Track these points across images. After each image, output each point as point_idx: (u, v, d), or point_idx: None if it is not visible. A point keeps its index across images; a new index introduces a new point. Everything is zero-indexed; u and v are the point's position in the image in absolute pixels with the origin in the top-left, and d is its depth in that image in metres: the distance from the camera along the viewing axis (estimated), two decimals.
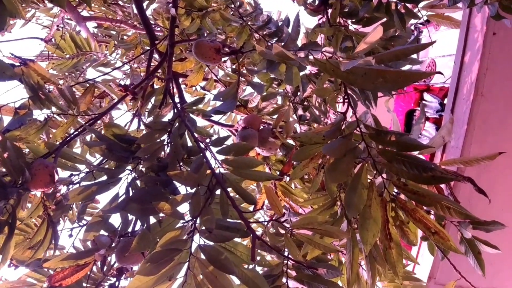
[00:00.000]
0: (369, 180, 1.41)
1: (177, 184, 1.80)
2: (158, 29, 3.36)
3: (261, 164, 1.63)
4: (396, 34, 2.25)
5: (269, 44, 2.35)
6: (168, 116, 2.26)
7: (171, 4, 2.09)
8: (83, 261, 1.69)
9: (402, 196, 1.45)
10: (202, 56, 1.68)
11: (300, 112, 2.48)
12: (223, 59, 1.74)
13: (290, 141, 2.11)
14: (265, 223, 1.49)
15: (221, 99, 1.58)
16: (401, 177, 1.40)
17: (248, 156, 1.70)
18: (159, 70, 2.79)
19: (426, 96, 4.99)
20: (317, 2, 2.21)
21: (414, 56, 2.83)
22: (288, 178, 2.25)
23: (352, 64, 1.04)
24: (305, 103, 2.51)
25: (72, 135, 1.88)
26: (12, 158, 1.48)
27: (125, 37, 3.44)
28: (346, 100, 1.49)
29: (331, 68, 1.26)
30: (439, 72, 1.09)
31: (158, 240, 1.59)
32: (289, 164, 1.78)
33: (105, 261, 1.74)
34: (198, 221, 1.50)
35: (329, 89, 1.65)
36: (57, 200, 1.67)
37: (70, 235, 2.10)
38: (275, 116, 2.63)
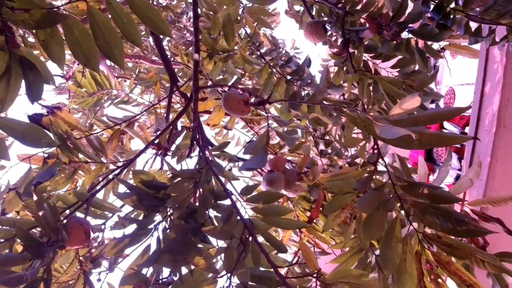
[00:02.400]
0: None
1: None
2: (174, 60, 3.41)
3: (290, 212, 1.65)
4: (416, 69, 2.27)
5: (290, 81, 2.38)
6: (193, 155, 2.29)
7: (191, 48, 2.13)
8: None
9: (435, 248, 1.45)
10: (231, 109, 1.70)
11: (321, 147, 2.50)
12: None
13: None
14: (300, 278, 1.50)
15: (251, 151, 1.60)
16: (434, 229, 1.40)
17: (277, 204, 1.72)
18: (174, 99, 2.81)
19: (447, 125, 4.97)
20: (339, 42, 2.24)
21: (433, 85, 2.84)
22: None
23: (391, 134, 1.05)
24: (326, 137, 2.53)
25: (100, 184, 1.90)
26: (47, 217, 1.51)
27: (142, 70, 3.49)
28: (376, 150, 1.50)
29: (362, 124, 1.28)
30: (476, 138, 1.10)
31: None
32: (317, 209, 1.80)
33: None
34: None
35: (358, 139, 1.67)
36: (93, 257, 1.70)
37: (99, 280, 2.12)
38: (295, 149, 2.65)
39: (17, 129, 1.31)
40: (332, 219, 1.56)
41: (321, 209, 1.83)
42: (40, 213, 1.56)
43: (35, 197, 1.80)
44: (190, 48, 3.13)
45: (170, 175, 2.23)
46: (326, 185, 1.57)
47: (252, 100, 1.72)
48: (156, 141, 2.02)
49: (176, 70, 3.29)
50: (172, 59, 3.33)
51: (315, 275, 1.36)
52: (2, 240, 1.72)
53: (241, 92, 1.71)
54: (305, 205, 2.19)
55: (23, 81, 1.31)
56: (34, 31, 1.34)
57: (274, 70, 2.38)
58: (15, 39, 1.29)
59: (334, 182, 1.54)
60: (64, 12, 1.42)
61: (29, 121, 1.96)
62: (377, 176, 1.79)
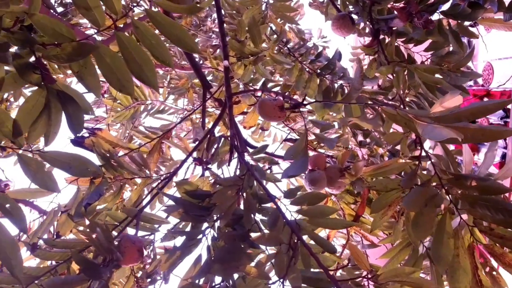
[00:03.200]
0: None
1: None
2: (203, 63, 3.43)
3: (335, 211, 1.64)
4: (451, 50, 2.20)
5: (322, 76, 2.36)
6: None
7: (219, 50, 2.13)
8: None
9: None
10: (266, 116, 1.70)
11: (360, 137, 2.47)
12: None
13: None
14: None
15: (291, 156, 1.60)
16: (485, 221, 1.37)
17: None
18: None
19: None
20: (367, 30, 2.20)
21: (470, 64, 2.75)
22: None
23: (434, 136, 1.03)
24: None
25: (147, 199, 1.95)
26: (100, 239, 1.56)
27: (173, 76, 3.53)
28: (419, 145, 1.47)
29: (403, 121, 1.26)
30: None
31: None
32: (363, 205, 1.78)
33: None
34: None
35: (399, 134, 1.64)
36: (148, 274, 1.75)
37: None
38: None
39: (63, 161, 1.35)
40: (380, 217, 1.55)
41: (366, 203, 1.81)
42: (94, 236, 1.62)
43: (87, 220, 1.87)
44: (218, 51, 3.14)
45: (212, 180, 2.26)
46: (370, 183, 1.56)
47: (287, 104, 1.72)
48: (196, 155, 2.04)
49: (205, 72, 3.32)
50: (201, 62, 3.35)
51: (367, 276, 1.36)
52: (60, 262, 1.79)
53: (275, 97, 1.71)
54: (349, 199, 2.18)
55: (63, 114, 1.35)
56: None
57: (305, 66, 2.37)
58: (50, 75, 1.32)
59: (378, 179, 1.52)
60: (96, 38, 1.45)
61: (72, 144, 2.03)
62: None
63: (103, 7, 1.39)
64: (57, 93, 1.34)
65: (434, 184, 1.47)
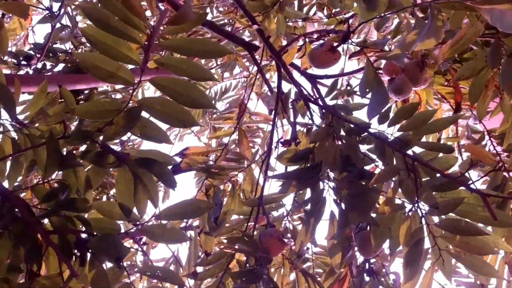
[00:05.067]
0: None
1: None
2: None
3: (435, 112, 1.56)
4: None
5: None
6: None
7: (252, 23, 2.06)
8: None
9: None
10: (322, 64, 1.65)
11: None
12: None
13: None
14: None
15: (366, 91, 1.53)
16: None
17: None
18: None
19: None
20: None
21: None
22: None
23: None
24: None
25: (260, 187, 2.02)
26: (244, 248, 1.66)
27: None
28: None
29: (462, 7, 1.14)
30: None
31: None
32: (458, 92, 1.67)
33: None
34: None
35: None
36: (298, 253, 1.84)
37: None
38: None
39: (179, 212, 1.43)
40: (482, 102, 1.45)
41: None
42: (236, 246, 1.73)
43: (221, 233, 2.00)
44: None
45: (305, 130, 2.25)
46: (457, 75, 1.45)
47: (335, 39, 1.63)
48: (283, 139, 2.04)
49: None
50: (231, 27, 3.30)
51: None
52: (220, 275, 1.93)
53: (321, 43, 1.63)
54: (439, 80, 2.05)
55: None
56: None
57: None
58: (122, 152, 1.38)
59: (463, 67, 1.40)
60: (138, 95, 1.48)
61: (174, 175, 2.14)
62: None
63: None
64: (136, 161, 1.40)
65: None
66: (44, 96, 1.58)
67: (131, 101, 1.43)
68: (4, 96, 1.43)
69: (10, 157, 1.53)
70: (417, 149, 1.65)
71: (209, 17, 3.96)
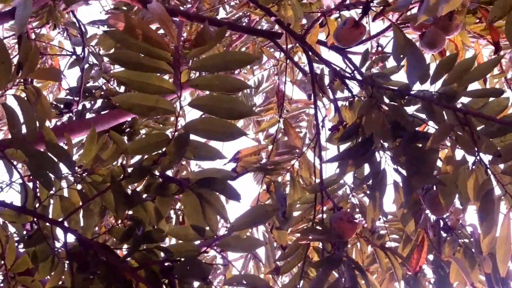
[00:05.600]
0: None
1: None
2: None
3: (475, 57, 1.52)
4: None
5: None
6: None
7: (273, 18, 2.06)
8: None
9: None
10: (350, 42, 1.64)
11: None
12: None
13: None
14: None
15: (400, 57, 1.51)
16: None
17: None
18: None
19: None
20: None
21: None
22: None
23: None
24: None
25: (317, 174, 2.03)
26: (318, 237, 1.70)
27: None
28: None
29: None
30: None
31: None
32: (494, 30, 1.61)
33: None
34: None
35: None
36: (372, 230, 1.85)
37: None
38: None
39: (249, 221, 1.47)
40: None
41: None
42: (310, 237, 1.77)
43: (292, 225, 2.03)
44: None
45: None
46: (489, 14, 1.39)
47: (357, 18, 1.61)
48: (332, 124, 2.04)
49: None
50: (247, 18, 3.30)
51: None
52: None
53: (343, 22, 1.62)
54: (471, 20, 1.99)
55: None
56: None
57: None
58: (182, 178, 1.44)
59: (494, 5, 1.34)
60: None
61: (235, 179, 2.19)
62: None
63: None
64: (197, 184, 1.45)
65: None
66: (95, 142, 1.65)
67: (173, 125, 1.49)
68: (61, 154, 1.51)
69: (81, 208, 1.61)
70: (465, 100, 1.61)
71: (222, 14, 3.99)
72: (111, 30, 1.31)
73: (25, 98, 1.44)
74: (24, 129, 1.50)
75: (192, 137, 1.45)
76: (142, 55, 1.37)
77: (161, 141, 1.46)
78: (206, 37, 1.33)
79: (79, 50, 3.05)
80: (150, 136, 1.50)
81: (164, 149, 1.45)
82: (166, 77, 1.68)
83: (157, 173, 1.47)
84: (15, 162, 1.63)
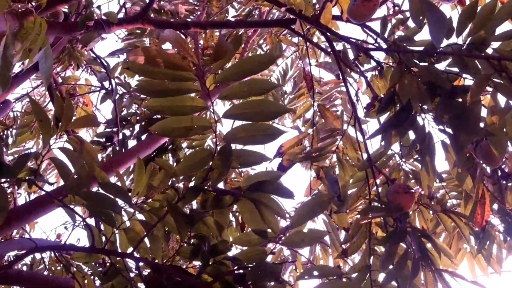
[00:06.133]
0: None
1: None
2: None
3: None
4: None
5: None
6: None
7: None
8: None
9: None
10: (364, 16, 1.62)
11: None
12: None
13: None
14: None
15: (419, 16, 1.47)
16: None
17: None
18: None
19: None
20: None
21: None
22: None
23: None
24: None
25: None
26: (380, 213, 1.70)
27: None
28: None
29: None
30: None
31: None
32: None
33: None
34: None
35: None
36: (430, 196, 1.84)
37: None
38: None
39: (308, 213, 1.50)
40: None
41: None
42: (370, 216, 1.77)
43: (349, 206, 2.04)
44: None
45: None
46: None
47: None
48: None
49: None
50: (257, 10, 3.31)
51: None
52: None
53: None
54: None
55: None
56: None
57: None
58: (238, 190, 1.47)
59: None
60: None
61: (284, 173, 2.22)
62: None
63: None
64: (249, 189, 1.48)
65: None
66: (143, 172, 1.71)
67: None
68: (116, 191, 1.58)
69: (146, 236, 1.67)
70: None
71: (232, 12, 4.00)
72: (131, 64, 1.35)
73: (71, 148, 1.51)
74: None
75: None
76: (167, 81, 1.40)
77: (205, 156, 1.50)
78: (224, 49, 1.35)
79: (106, 82, 3.14)
80: (194, 155, 1.53)
81: (210, 164, 1.49)
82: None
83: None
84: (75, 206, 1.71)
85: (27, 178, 1.52)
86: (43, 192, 2.22)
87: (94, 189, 1.74)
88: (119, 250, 1.76)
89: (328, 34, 2.02)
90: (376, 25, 2.29)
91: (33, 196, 2.92)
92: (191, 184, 1.70)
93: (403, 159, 2.09)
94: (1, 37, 1.51)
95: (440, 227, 2.06)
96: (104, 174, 1.64)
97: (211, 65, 1.43)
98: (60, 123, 1.46)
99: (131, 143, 3.19)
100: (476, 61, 1.57)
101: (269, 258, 1.99)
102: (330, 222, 2.24)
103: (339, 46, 2.28)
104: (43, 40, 1.65)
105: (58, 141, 1.52)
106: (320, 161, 2.18)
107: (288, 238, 1.53)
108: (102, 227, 1.83)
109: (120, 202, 1.64)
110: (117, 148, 3.05)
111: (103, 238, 1.76)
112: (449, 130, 1.70)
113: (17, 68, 2.85)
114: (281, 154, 2.20)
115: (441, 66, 1.80)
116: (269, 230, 1.51)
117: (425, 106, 1.78)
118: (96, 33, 2.53)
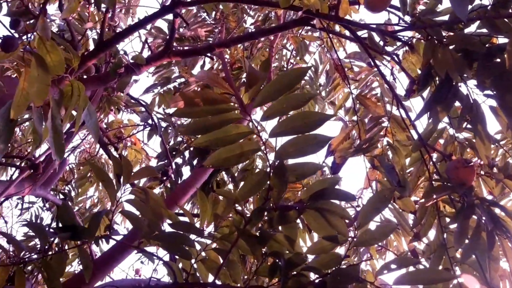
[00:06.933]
0: None
1: None
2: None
3: None
4: None
5: None
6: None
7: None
8: None
9: None
10: (383, 5, 1.62)
11: None
12: None
13: None
14: None
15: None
16: None
17: None
18: None
19: None
20: None
21: None
22: None
23: None
24: None
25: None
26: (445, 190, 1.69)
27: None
28: None
29: None
30: None
31: None
32: None
33: None
34: None
35: None
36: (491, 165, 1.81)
37: None
38: None
39: (374, 209, 1.51)
40: None
41: None
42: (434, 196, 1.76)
43: (411, 189, 2.03)
44: None
45: None
46: None
47: None
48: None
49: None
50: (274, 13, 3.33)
51: None
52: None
53: None
54: None
55: None
56: None
57: None
58: (301, 204, 1.50)
59: None
60: None
61: (339, 170, 2.24)
62: None
63: None
64: (311, 200, 1.52)
65: None
66: (206, 203, 1.77)
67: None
68: (187, 227, 1.65)
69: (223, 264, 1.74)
70: None
71: (250, 21, 4.04)
72: (175, 112, 1.41)
73: (137, 200, 1.59)
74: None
75: None
76: (210, 117, 1.46)
77: (262, 178, 1.55)
78: (255, 76, 1.40)
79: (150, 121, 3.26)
80: (251, 178, 1.58)
81: (268, 184, 1.53)
82: None
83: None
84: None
85: (104, 235, 1.61)
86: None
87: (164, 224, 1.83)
88: (201, 281, 1.84)
89: (351, 26, 2.02)
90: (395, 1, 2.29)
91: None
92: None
93: (455, 131, 2.05)
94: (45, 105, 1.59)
95: (506, 190, 2.01)
96: (172, 214, 1.72)
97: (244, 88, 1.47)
98: (121, 178, 1.54)
99: (185, 169, 3.30)
100: (507, 20, 1.54)
101: None
102: (396, 208, 2.24)
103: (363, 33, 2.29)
104: (84, 100, 1.74)
105: (123, 195, 1.61)
106: (371, 151, 2.18)
107: (360, 238, 1.55)
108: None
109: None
110: (173, 178, 3.16)
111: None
112: (495, 93, 1.67)
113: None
114: (332, 152, 2.22)
115: (471, 29, 1.77)
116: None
117: (465, 75, 1.76)
118: (128, 77, 2.64)
